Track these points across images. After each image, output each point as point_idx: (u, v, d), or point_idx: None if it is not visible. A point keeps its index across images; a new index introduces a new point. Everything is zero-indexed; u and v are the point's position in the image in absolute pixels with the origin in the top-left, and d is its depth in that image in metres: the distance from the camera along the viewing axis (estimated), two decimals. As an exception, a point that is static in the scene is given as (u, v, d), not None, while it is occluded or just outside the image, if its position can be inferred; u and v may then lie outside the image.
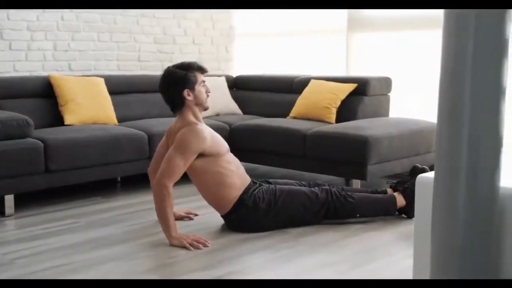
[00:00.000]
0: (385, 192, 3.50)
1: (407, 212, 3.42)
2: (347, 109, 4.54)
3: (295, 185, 3.38)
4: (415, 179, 3.35)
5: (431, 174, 2.00)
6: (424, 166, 3.47)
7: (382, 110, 4.74)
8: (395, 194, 3.42)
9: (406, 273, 2.52)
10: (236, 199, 3.13)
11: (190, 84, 3.08)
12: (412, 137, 4.16)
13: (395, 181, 3.55)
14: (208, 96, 3.17)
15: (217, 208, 3.23)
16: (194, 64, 3.14)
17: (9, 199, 3.53)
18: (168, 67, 3.18)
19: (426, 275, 1.90)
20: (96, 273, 2.59)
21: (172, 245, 2.94)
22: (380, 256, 2.83)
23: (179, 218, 3.40)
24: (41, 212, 3.61)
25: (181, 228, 3.14)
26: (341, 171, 4.00)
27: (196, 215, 3.46)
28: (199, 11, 5.61)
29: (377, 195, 3.42)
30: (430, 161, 4.33)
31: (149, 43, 5.28)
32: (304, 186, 3.41)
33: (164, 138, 3.31)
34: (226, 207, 3.16)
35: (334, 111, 4.51)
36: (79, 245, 2.98)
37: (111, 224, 3.35)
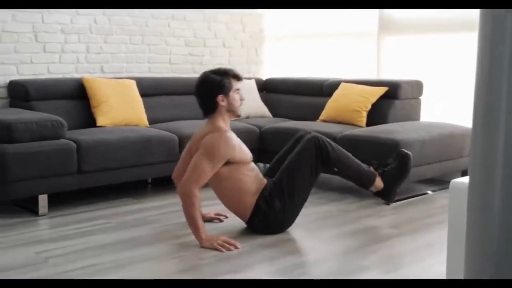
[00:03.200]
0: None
1: (384, 196, 3.38)
2: (378, 113, 4.51)
3: (285, 156, 3.30)
4: (396, 164, 3.34)
5: (465, 179, 1.97)
6: (408, 152, 3.38)
7: (413, 113, 4.70)
8: (376, 173, 3.35)
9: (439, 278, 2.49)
10: (252, 205, 3.14)
11: (224, 90, 3.11)
12: (444, 141, 4.11)
13: (377, 163, 3.47)
14: (241, 103, 3.19)
15: (239, 215, 3.24)
16: (230, 71, 3.17)
17: (43, 199, 3.58)
18: (205, 72, 3.20)
19: (459, 281, 1.87)
20: (127, 273, 2.61)
21: (203, 247, 2.95)
22: (412, 262, 2.80)
23: (209, 219, 3.41)
24: (74, 212, 3.66)
25: (210, 230, 3.15)
26: (372, 175, 3.96)
27: (226, 217, 3.46)
28: (230, 14, 5.63)
29: (361, 163, 3.33)
30: (463, 166, 4.27)
31: (180, 45, 5.32)
32: (292, 145, 3.34)
33: (188, 144, 3.33)
34: (246, 213, 3.17)
35: (365, 114, 4.48)
36: (111, 245, 3.02)
37: (142, 225, 3.38)
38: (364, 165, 3.33)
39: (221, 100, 3.10)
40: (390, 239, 3.15)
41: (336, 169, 3.23)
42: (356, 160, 3.30)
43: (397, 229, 3.32)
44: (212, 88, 3.11)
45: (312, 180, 3.19)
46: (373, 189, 3.35)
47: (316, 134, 3.22)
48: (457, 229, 1.95)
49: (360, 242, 3.08)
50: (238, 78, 3.17)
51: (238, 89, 3.17)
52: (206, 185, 3.12)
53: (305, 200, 3.21)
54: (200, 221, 2.99)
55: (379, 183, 3.33)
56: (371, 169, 3.38)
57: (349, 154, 3.29)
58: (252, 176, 3.16)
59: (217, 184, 3.16)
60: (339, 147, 3.25)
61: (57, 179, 3.60)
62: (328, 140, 3.21)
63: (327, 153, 3.15)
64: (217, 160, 3.03)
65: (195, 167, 3.00)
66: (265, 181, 3.23)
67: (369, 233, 3.26)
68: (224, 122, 3.15)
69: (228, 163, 3.07)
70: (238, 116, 3.23)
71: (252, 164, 3.23)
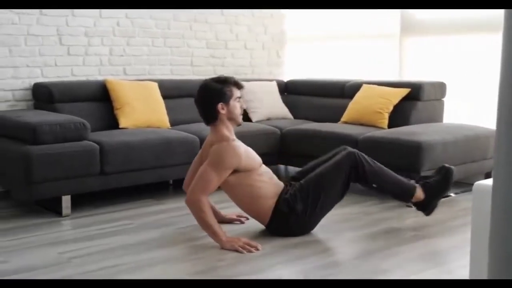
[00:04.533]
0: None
1: (424, 207, 3.31)
2: (400, 114, 4.48)
3: (320, 165, 3.28)
4: (439, 177, 3.30)
5: (488, 181, 1.95)
6: (451, 166, 3.35)
7: (436, 115, 4.65)
8: (417, 185, 3.29)
9: (461, 282, 2.46)
10: (271, 209, 3.13)
11: (225, 98, 3.10)
12: (467, 143, 4.06)
13: (420, 176, 3.44)
14: (242, 112, 3.18)
15: (258, 220, 3.24)
16: (231, 79, 3.16)
17: (66, 200, 3.62)
18: (205, 80, 3.21)
19: (483, 284, 1.85)
20: (148, 274, 2.63)
21: (224, 248, 2.96)
22: (434, 264, 2.77)
23: (229, 221, 3.42)
24: (96, 213, 3.69)
25: (231, 232, 3.16)
26: (394, 177, 3.93)
27: (247, 218, 3.46)
28: (251, 15, 5.64)
29: (399, 176, 3.28)
30: (487, 168, 4.22)
31: (201, 48, 5.34)
32: (329, 157, 3.31)
33: (199, 152, 3.33)
34: (265, 218, 3.17)
35: (387, 116, 4.45)
36: (132, 246, 3.04)
37: (163, 226, 3.40)
38: (403, 179, 3.28)
39: (221, 108, 3.10)
40: (412, 241, 3.12)
41: (374, 185, 3.21)
42: (395, 174, 3.26)
43: (419, 232, 3.29)
44: (213, 96, 3.11)
45: (339, 196, 3.19)
46: (413, 200, 3.31)
47: (354, 150, 3.21)
48: (481, 231, 1.93)
49: (382, 245, 3.06)
50: (238, 86, 3.17)
51: (239, 97, 3.16)
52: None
53: (328, 211, 3.21)
54: (216, 226, 3.00)
55: (419, 194, 3.27)
56: (412, 181, 3.33)
57: (387, 169, 3.24)
58: (264, 180, 3.16)
59: (230, 192, 3.18)
60: (377, 163, 3.21)
61: (80, 180, 3.64)
62: (365, 156, 3.18)
63: (363, 169, 3.13)
64: (223, 170, 3.03)
65: (201, 177, 3.02)
66: (282, 184, 3.22)
67: (391, 235, 3.24)
68: (228, 130, 3.15)
69: (236, 171, 3.07)
70: (239, 124, 3.21)
71: (263, 168, 3.22)
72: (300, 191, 3.13)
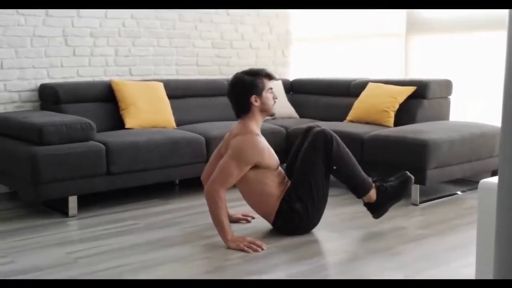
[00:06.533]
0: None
1: (374, 210, 3.24)
2: (406, 113, 4.47)
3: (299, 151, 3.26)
4: (396, 183, 3.24)
5: (494, 179, 1.94)
6: (411, 176, 3.26)
7: (442, 113, 4.64)
8: (373, 185, 3.24)
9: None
10: (276, 208, 3.14)
11: (257, 90, 3.11)
12: (474, 141, 4.05)
13: (377, 177, 3.34)
14: (275, 102, 3.19)
15: (265, 217, 3.25)
16: (262, 71, 3.17)
17: (73, 200, 3.63)
18: (237, 73, 3.21)
19: (489, 283, 1.84)
20: (154, 274, 2.64)
21: (229, 248, 2.96)
22: (440, 263, 2.77)
23: (236, 220, 3.42)
24: (103, 213, 3.70)
25: (237, 231, 3.16)
26: (400, 175, 3.92)
27: (253, 218, 3.47)
28: (257, 15, 5.64)
29: (362, 172, 3.22)
30: (493, 166, 4.21)
31: (207, 47, 5.35)
32: (303, 136, 3.30)
33: (220, 144, 3.34)
34: (271, 216, 3.18)
35: (393, 114, 4.44)
36: (138, 246, 3.04)
37: (169, 226, 3.41)
38: (364, 175, 3.23)
39: (254, 100, 3.11)
40: (418, 240, 3.11)
41: (334, 167, 3.14)
42: (358, 166, 3.22)
43: (425, 230, 3.28)
44: (245, 89, 3.11)
45: (328, 174, 3.15)
46: (364, 199, 3.26)
47: (324, 128, 3.19)
48: (487, 229, 1.92)
49: (388, 243, 3.05)
50: (270, 77, 3.17)
51: (271, 88, 3.17)
52: (233, 186, 3.13)
53: (325, 196, 3.17)
54: (226, 223, 3.00)
55: (372, 194, 3.21)
56: (370, 179, 3.27)
57: (353, 158, 3.20)
58: (278, 181, 3.16)
59: (243, 187, 3.17)
60: (345, 147, 3.19)
61: (86, 181, 3.65)
62: (337, 137, 3.16)
63: (330, 149, 3.10)
64: (245, 164, 3.03)
65: (222, 169, 3.02)
66: (289, 182, 3.22)
67: (397, 234, 3.23)
68: (256, 125, 3.15)
69: (255, 167, 3.07)
70: (272, 115, 3.22)
71: (279, 169, 3.23)
72: (293, 191, 3.12)
